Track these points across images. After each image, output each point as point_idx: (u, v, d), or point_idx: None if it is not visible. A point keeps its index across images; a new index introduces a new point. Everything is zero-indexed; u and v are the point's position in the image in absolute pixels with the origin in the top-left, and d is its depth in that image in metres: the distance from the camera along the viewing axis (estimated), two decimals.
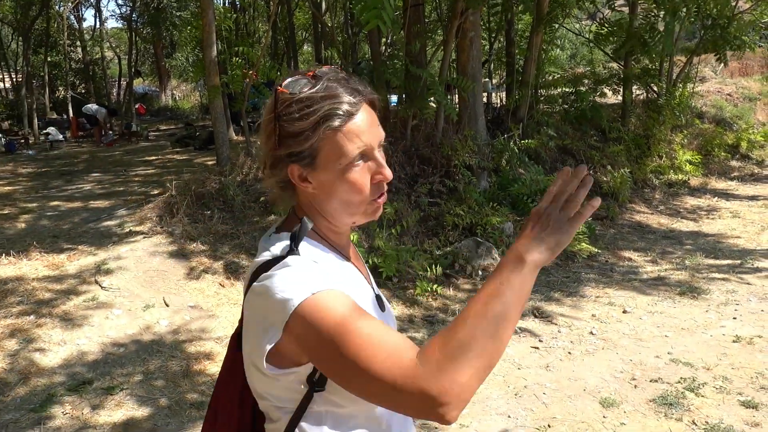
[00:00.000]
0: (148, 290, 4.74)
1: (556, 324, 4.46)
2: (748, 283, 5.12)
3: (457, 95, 7.92)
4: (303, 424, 0.97)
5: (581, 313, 4.64)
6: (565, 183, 0.93)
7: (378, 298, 1.11)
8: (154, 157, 12.10)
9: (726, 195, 8.75)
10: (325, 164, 0.97)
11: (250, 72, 7.21)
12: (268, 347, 0.91)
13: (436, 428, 3.17)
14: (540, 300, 4.88)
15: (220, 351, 3.95)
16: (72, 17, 21.46)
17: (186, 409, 3.34)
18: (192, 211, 5.98)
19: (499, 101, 10.51)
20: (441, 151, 6.63)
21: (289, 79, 0.99)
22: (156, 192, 7.57)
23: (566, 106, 9.49)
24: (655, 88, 9.82)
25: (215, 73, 7.03)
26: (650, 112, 9.38)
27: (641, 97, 10.44)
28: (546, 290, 5.13)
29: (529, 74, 8.19)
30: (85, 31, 22.99)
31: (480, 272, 5.38)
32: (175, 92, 26.41)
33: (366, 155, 0.99)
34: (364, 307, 0.93)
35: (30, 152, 13.21)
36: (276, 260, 0.96)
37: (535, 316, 4.58)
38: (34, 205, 7.58)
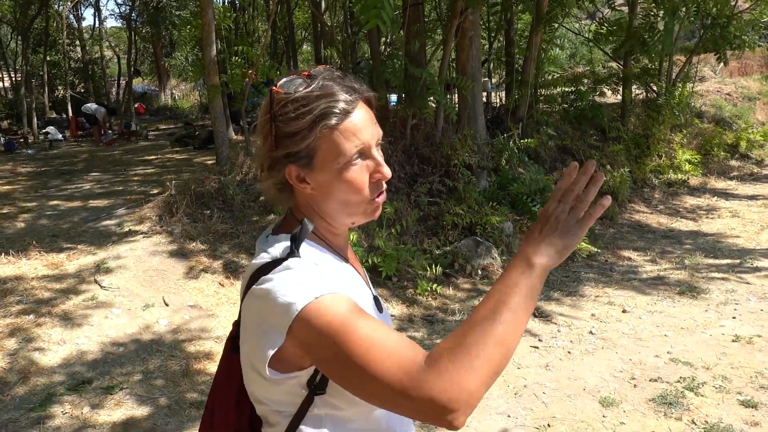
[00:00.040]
0: (148, 290, 4.73)
1: (555, 323, 4.46)
2: (747, 283, 5.12)
3: (456, 95, 7.91)
4: (302, 427, 0.97)
5: (581, 313, 4.65)
6: (572, 180, 0.90)
7: (376, 299, 1.11)
8: (153, 157, 12.08)
9: (725, 194, 8.75)
10: (322, 164, 0.96)
11: (250, 71, 7.21)
12: (271, 352, 0.90)
13: (436, 428, 3.17)
14: (539, 299, 4.87)
15: (220, 350, 3.91)
16: (71, 16, 21.47)
17: (185, 409, 3.34)
18: (191, 210, 5.98)
19: (498, 101, 10.52)
20: (440, 151, 6.62)
21: (284, 80, 0.97)
22: (155, 191, 7.56)
23: (566, 106, 9.49)
24: (655, 88, 9.82)
25: (215, 72, 7.02)
26: (650, 111, 9.38)
27: (641, 97, 10.43)
28: (546, 290, 5.12)
29: (529, 74, 8.19)
30: (84, 31, 23.02)
31: (479, 272, 5.37)
32: (174, 91, 26.36)
33: (364, 154, 0.97)
34: (364, 308, 0.92)
35: (29, 151, 13.19)
36: (276, 262, 0.94)
37: (535, 316, 4.58)
38: (34, 204, 7.57)
